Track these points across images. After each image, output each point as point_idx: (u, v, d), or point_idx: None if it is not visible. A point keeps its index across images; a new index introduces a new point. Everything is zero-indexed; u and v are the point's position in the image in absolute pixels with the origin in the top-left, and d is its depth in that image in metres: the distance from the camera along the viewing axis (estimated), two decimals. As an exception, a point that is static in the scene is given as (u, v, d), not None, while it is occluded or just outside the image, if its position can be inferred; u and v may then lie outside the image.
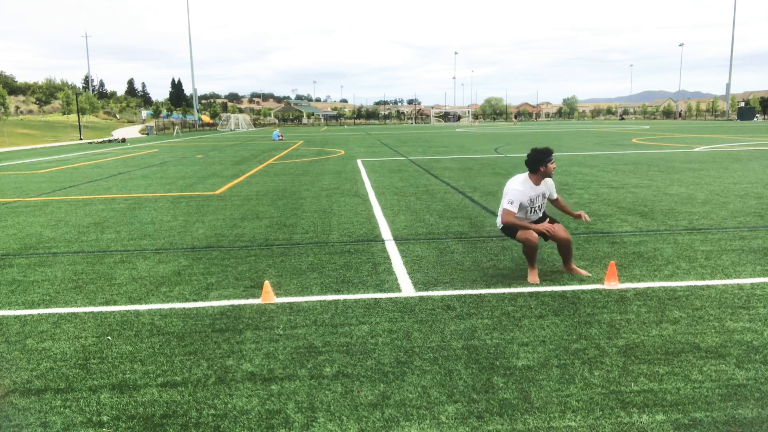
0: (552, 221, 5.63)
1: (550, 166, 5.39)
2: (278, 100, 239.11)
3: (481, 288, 5.31)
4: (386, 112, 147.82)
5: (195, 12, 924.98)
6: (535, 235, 5.38)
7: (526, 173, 5.53)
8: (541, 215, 5.67)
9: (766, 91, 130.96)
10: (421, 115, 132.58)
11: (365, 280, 5.62)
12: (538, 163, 5.39)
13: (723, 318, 4.46)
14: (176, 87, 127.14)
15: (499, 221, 5.60)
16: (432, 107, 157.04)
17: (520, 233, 5.41)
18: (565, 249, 5.59)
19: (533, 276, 5.48)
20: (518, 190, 5.40)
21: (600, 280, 5.43)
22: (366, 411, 3.22)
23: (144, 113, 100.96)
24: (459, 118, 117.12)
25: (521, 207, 5.45)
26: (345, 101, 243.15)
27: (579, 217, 5.67)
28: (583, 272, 5.63)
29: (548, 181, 5.61)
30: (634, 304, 4.80)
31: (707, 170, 14.58)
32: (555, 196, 5.72)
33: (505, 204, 5.41)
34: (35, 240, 7.87)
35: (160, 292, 5.41)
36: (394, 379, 3.57)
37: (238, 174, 16.58)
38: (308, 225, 8.46)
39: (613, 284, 5.23)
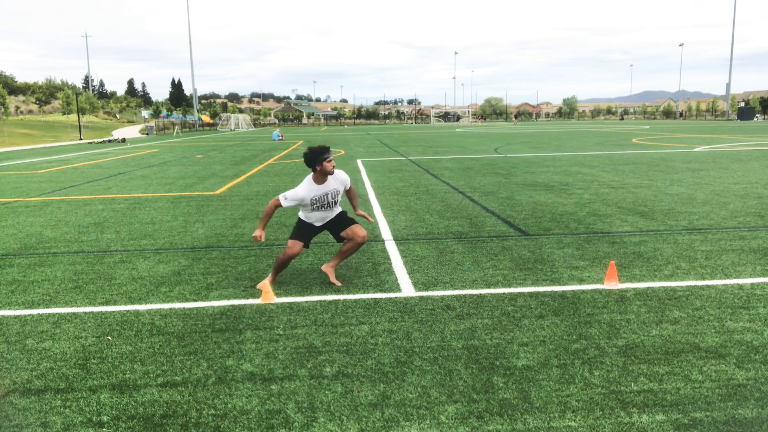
0: (350, 221, 5.61)
1: (326, 165, 5.28)
2: (278, 100, 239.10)
3: (481, 288, 5.31)
4: (386, 112, 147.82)
5: (195, 12, 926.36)
6: (295, 251, 5.37)
7: (310, 175, 5.43)
8: (336, 211, 5.61)
9: (766, 91, 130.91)
10: (421, 115, 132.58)
11: (365, 280, 5.62)
12: (313, 162, 5.30)
13: (723, 318, 4.46)
14: (176, 87, 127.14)
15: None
16: (432, 107, 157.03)
17: (289, 242, 5.45)
18: (350, 249, 5.58)
19: (266, 286, 5.22)
20: (297, 192, 5.35)
21: (600, 280, 5.44)
22: (366, 411, 3.22)
23: (144, 113, 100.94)
24: (459, 118, 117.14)
25: (305, 205, 5.41)
26: (345, 101, 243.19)
27: (362, 216, 5.65)
28: (335, 281, 5.52)
29: (339, 175, 5.54)
30: (634, 304, 4.80)
31: (707, 170, 14.58)
32: (348, 186, 5.66)
33: (281, 194, 5.41)
34: (35, 240, 7.87)
35: (160, 292, 5.41)
36: (394, 379, 3.57)
37: (238, 174, 16.58)
38: (308, 225, 8.45)
39: (612, 284, 5.23)
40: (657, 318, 4.48)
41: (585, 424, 3.03)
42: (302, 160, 5.54)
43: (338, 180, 5.53)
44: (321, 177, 5.39)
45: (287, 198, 5.37)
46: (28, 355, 4.05)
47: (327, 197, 5.44)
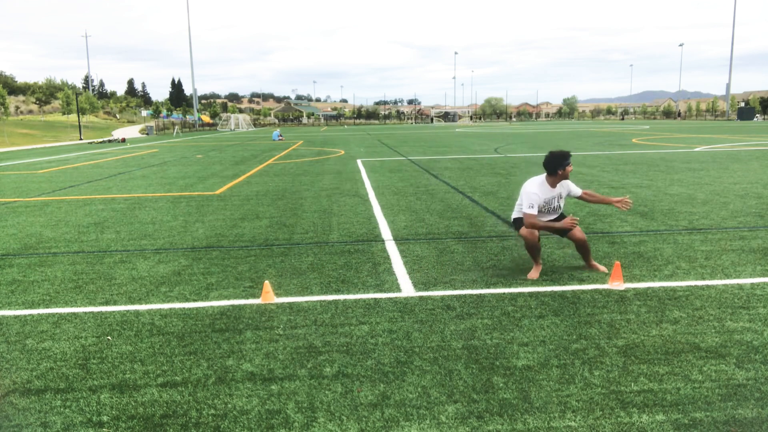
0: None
1: (568, 169, 5.50)
2: (278, 100, 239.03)
3: (481, 288, 5.31)
4: (386, 112, 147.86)
5: (196, 12, 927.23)
6: (535, 233, 5.55)
7: (543, 175, 5.60)
8: (557, 216, 5.75)
9: (766, 91, 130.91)
10: (421, 115, 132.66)
11: (365, 280, 5.62)
12: (556, 166, 5.47)
13: (723, 318, 4.46)
14: (176, 87, 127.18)
15: (517, 220, 5.75)
16: (432, 107, 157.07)
17: (522, 230, 5.58)
18: (582, 249, 5.75)
19: (534, 272, 5.64)
20: (536, 194, 5.51)
21: (600, 280, 5.43)
22: (366, 411, 3.22)
23: (144, 113, 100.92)
24: (458, 118, 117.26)
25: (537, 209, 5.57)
26: (345, 101, 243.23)
27: (619, 203, 5.65)
28: (601, 268, 5.76)
29: (564, 182, 5.67)
30: (634, 304, 4.80)
31: (707, 170, 14.58)
32: (578, 193, 5.78)
33: (526, 209, 5.51)
34: (35, 240, 7.87)
35: (160, 292, 5.41)
36: (394, 379, 3.57)
37: (238, 174, 16.58)
38: (308, 225, 8.46)
39: (616, 284, 5.22)
40: (657, 318, 4.48)
41: (585, 424, 3.03)
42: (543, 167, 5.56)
43: (564, 186, 5.66)
44: (556, 181, 5.55)
45: (532, 206, 5.49)
46: (28, 355, 4.05)
47: (554, 201, 5.63)
